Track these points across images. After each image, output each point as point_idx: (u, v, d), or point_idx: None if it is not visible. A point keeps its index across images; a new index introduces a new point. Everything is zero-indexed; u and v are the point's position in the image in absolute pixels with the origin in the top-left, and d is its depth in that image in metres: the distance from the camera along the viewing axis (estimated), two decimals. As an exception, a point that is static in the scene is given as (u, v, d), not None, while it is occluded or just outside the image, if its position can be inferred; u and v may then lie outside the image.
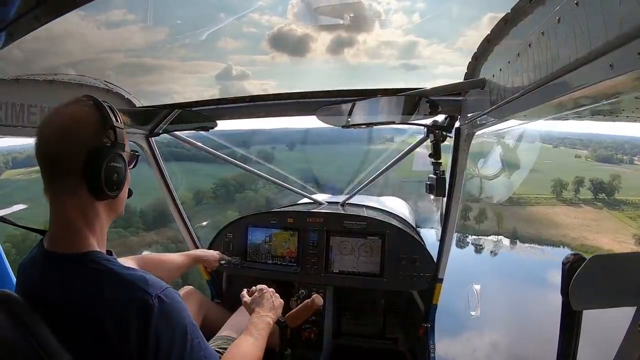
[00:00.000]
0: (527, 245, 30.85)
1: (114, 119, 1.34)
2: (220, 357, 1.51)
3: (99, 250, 1.34)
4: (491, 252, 28.93)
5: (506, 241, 30.59)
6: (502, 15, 1.55)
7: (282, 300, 2.13)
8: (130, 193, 1.52)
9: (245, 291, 2.19)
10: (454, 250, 3.08)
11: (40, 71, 2.07)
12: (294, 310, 2.24)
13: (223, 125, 2.91)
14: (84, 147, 1.27)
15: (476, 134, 2.40)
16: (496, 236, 30.37)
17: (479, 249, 28.97)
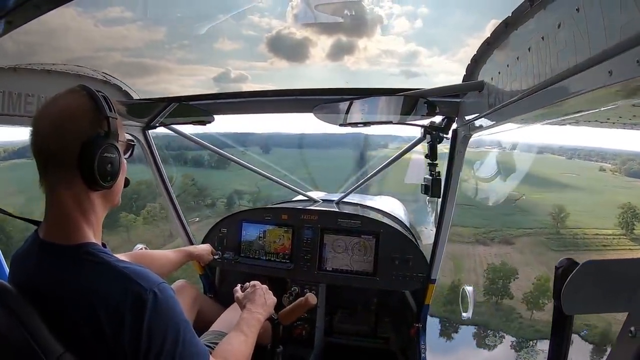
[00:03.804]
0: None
1: (107, 109, 1.33)
2: (210, 352, 1.51)
3: (94, 241, 1.34)
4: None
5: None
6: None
7: (274, 298, 2.13)
8: (127, 183, 1.52)
9: (238, 287, 2.19)
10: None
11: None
12: (287, 308, 2.24)
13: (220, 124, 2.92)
14: (78, 139, 1.26)
15: (472, 136, 2.41)
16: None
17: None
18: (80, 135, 1.27)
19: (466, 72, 2.12)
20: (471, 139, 2.44)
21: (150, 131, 3.11)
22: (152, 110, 2.84)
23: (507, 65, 1.58)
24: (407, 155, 3.33)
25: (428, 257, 3.06)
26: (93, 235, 1.35)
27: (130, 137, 1.54)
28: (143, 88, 2.65)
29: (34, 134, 1.29)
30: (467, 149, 2.54)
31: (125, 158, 1.48)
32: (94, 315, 1.19)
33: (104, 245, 1.40)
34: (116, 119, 1.36)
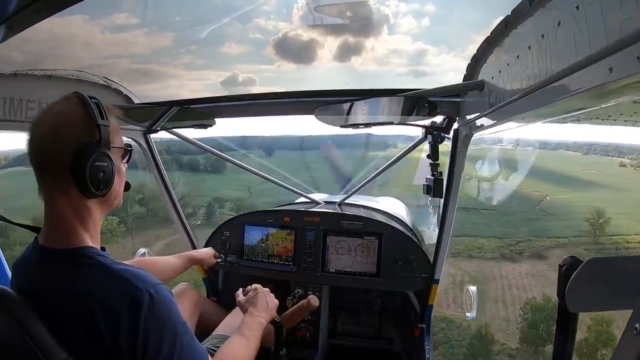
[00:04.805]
0: None
1: (99, 116, 1.32)
2: (213, 356, 1.51)
3: (92, 245, 1.35)
4: None
5: None
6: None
7: (276, 301, 2.13)
8: (127, 186, 1.52)
9: (240, 290, 2.19)
10: None
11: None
12: (289, 310, 2.24)
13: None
14: (70, 147, 1.27)
15: (474, 135, 2.41)
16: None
17: None
18: (73, 142, 1.27)
19: (467, 71, 2.12)
20: (472, 138, 2.44)
21: (152, 135, 3.12)
22: (153, 114, 2.84)
23: (508, 64, 1.58)
24: (416, 157, 3.31)
25: (431, 258, 3.06)
26: (91, 240, 1.36)
27: (127, 142, 1.55)
28: (152, 94, 2.65)
29: (30, 141, 1.30)
30: (477, 147, 2.52)
31: (124, 163, 1.49)
32: (92, 318, 1.19)
33: (102, 249, 1.40)
34: (108, 126, 1.36)
